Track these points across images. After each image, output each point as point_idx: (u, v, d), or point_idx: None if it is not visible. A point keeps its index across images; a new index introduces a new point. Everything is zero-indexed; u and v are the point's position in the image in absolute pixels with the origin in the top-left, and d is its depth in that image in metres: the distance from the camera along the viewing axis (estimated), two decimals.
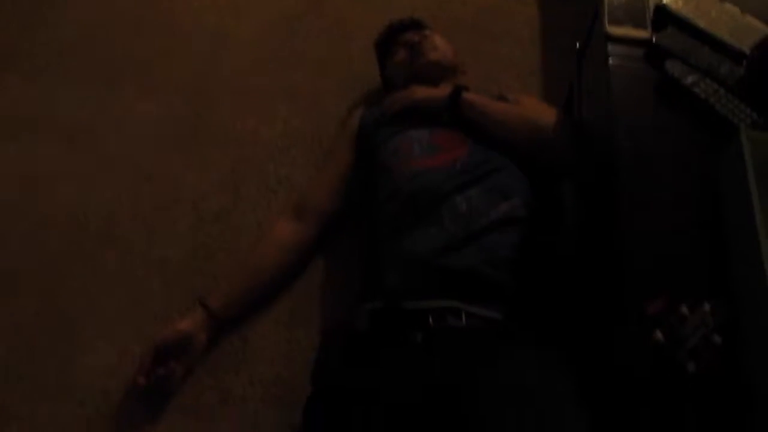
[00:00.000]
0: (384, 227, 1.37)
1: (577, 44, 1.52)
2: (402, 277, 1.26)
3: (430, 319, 1.19)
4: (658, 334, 0.83)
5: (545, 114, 1.46)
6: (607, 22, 1.27)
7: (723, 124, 1.11)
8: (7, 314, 1.41)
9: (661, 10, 1.30)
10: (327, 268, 1.51)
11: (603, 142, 1.19)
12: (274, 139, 1.72)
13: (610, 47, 1.23)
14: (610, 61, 1.21)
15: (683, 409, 0.81)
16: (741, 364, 0.83)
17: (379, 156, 1.47)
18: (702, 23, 1.26)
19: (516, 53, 1.93)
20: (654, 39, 1.24)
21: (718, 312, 0.83)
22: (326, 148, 1.66)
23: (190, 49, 1.89)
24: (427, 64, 1.62)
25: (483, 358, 1.10)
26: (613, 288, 0.97)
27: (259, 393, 1.35)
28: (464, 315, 1.19)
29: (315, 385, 1.26)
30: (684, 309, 0.84)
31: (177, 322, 1.35)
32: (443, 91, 1.52)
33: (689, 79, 1.14)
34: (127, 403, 1.32)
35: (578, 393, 1.01)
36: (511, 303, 1.22)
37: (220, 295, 1.41)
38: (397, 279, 1.26)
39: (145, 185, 1.61)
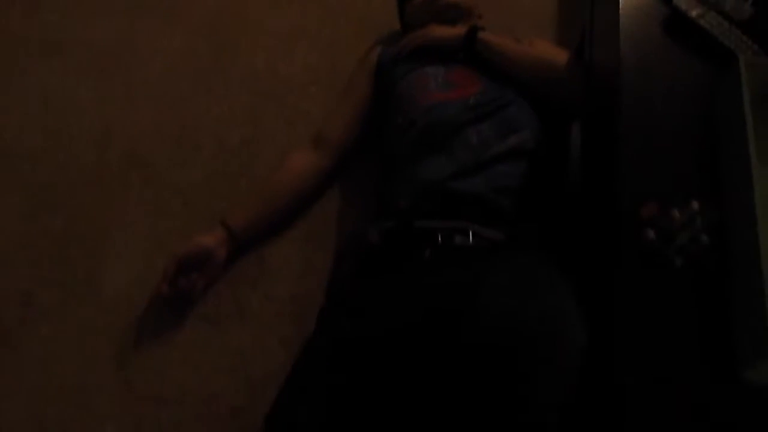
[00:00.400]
0: (399, 156, 1.43)
1: None
2: (414, 200, 1.33)
3: (439, 238, 1.26)
4: (650, 233, 0.89)
5: (558, 56, 1.51)
6: None
7: (727, 55, 1.16)
8: (40, 224, 1.50)
9: None
10: (342, 195, 1.58)
11: (609, 75, 1.24)
12: (294, 75, 1.77)
13: None
14: None
15: (670, 300, 0.88)
16: (726, 262, 0.89)
17: (396, 90, 1.53)
18: None
19: (532, 1, 1.96)
20: None
21: (706, 214, 0.89)
22: (344, 84, 1.71)
23: None
24: (446, 5, 1.66)
25: (486, 267, 1.17)
26: (610, 198, 1.02)
27: (274, 308, 1.44)
28: (471, 235, 1.26)
29: (328, 298, 1.33)
30: (675, 213, 0.90)
31: (199, 237, 1.42)
32: (460, 30, 1.57)
33: (695, 12, 1.19)
34: (150, 309, 1.41)
35: (575, 292, 1.08)
36: (515, 227, 1.28)
37: (239, 217, 1.48)
38: (409, 202, 1.33)
39: (168, 114, 1.68)
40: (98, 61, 1.75)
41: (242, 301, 1.44)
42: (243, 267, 1.48)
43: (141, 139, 1.64)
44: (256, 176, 1.60)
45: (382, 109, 1.57)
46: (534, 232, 1.30)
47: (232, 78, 1.76)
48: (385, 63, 1.63)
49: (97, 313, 1.41)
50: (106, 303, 1.42)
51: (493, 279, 1.12)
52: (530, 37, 1.66)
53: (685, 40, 1.21)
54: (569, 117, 1.54)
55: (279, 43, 1.82)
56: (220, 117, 1.69)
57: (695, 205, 0.89)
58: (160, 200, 1.56)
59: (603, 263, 1.01)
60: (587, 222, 1.21)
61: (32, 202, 1.52)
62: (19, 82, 1.70)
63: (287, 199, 1.54)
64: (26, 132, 1.63)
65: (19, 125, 1.63)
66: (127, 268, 1.46)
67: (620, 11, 1.25)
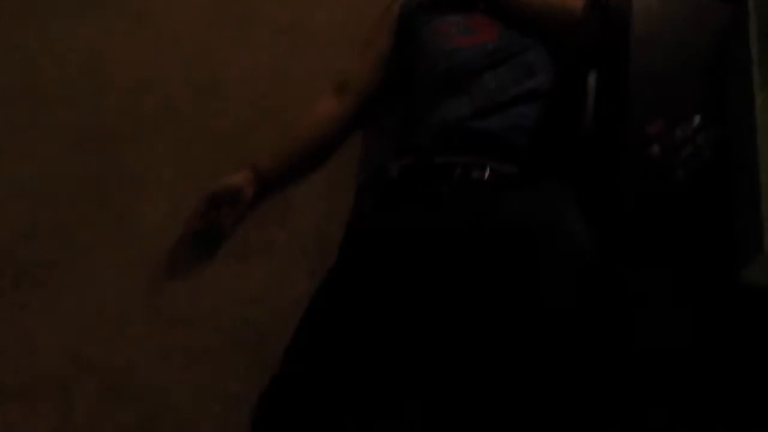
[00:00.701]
0: (419, 100, 1.49)
1: None
2: (433, 139, 1.39)
3: (456, 172, 1.31)
4: (655, 148, 0.94)
5: (575, 2, 1.54)
6: None
7: None
8: (76, 166, 1.58)
9: None
10: (365, 139, 1.64)
11: (622, 14, 1.27)
12: (319, 28, 1.82)
13: None
14: None
15: (672, 213, 0.93)
16: (726, 177, 0.94)
17: (418, 38, 1.58)
18: None
19: None
20: None
21: (709, 132, 0.94)
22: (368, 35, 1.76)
23: None
24: None
25: (502, 195, 1.23)
26: (619, 124, 1.07)
27: (300, 243, 1.51)
28: (488, 170, 1.31)
29: (349, 230, 1.40)
30: (679, 131, 0.95)
31: (228, 176, 1.50)
32: None
33: None
34: (180, 245, 1.49)
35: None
36: (530, 165, 1.34)
37: (266, 159, 1.56)
38: (429, 141, 1.39)
39: (201, 65, 1.74)
40: (131, 14, 1.82)
41: (269, 238, 1.51)
42: (270, 206, 1.55)
43: (172, 88, 1.70)
44: (281, 123, 1.66)
45: (404, 57, 1.63)
46: (548, 168, 1.35)
47: (259, 31, 1.82)
48: (408, 13, 1.67)
49: (129, 244, 1.49)
50: (137, 237, 1.50)
51: (508, 200, 1.18)
52: None
53: None
54: (586, 62, 1.57)
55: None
56: (248, 68, 1.75)
57: (697, 119, 0.93)
58: (190, 145, 1.62)
59: (610, 181, 1.05)
60: (597, 155, 1.26)
61: (70, 145, 1.60)
62: (56, 35, 1.77)
63: (311, 143, 1.61)
64: (64, 81, 1.70)
65: (57, 75, 1.71)
66: (160, 208, 1.53)
67: None
